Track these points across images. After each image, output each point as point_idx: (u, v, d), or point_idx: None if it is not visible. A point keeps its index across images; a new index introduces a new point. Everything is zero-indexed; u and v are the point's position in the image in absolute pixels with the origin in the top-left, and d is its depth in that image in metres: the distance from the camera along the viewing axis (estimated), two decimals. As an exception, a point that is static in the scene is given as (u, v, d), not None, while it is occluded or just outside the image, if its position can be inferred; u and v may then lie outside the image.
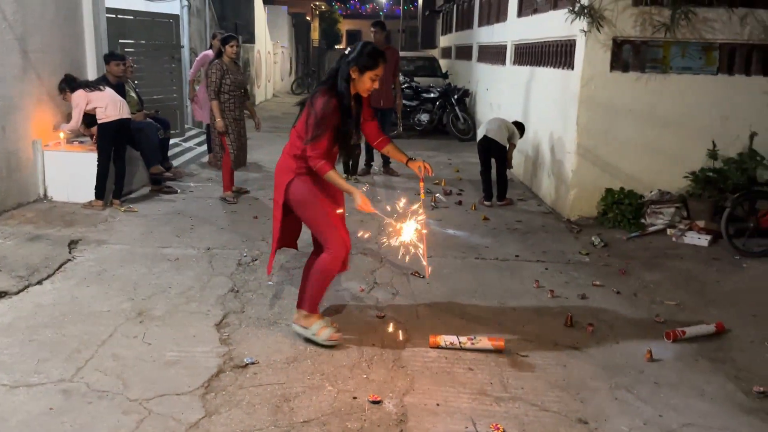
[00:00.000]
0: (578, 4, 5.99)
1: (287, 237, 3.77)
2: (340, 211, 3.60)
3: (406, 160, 3.62)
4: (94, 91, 6.06)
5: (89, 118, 6.24)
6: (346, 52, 3.41)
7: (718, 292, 4.71)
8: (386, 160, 8.57)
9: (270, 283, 4.52)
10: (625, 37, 6.09)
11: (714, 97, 6.20)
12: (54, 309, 3.90)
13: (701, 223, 5.86)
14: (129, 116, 6.25)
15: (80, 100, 6.04)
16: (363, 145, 8.50)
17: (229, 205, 6.62)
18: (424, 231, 3.63)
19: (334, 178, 3.39)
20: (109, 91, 6.15)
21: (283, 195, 3.50)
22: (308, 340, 3.59)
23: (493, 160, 6.94)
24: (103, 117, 6.03)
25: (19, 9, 5.86)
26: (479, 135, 7.00)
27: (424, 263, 3.69)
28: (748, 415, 3.09)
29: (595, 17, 5.93)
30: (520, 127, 7.10)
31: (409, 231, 3.58)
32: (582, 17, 5.96)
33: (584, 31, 6.04)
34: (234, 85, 6.51)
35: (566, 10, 6.18)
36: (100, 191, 6.16)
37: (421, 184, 3.69)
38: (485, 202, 6.98)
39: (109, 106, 6.04)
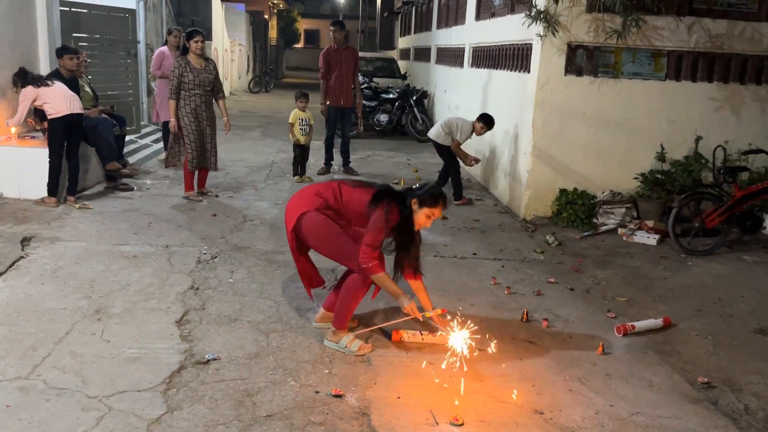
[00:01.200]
0: (535, 9, 6.15)
1: (311, 273, 3.80)
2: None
3: (431, 307, 3.70)
4: (42, 87, 5.90)
5: (42, 113, 6.09)
6: (415, 186, 3.58)
7: (665, 288, 4.92)
8: (346, 160, 8.61)
9: (230, 280, 4.51)
10: (579, 42, 6.29)
11: (662, 101, 6.45)
12: (8, 306, 3.82)
13: (650, 223, 6.10)
14: (80, 111, 6.10)
15: (27, 95, 5.89)
16: (324, 144, 8.53)
17: (193, 203, 6.55)
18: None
19: (384, 280, 3.46)
20: (59, 86, 6.00)
21: (293, 224, 3.54)
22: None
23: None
24: (52, 113, 5.90)
25: (-32, -1, 5.69)
26: None
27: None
28: (694, 404, 3.25)
29: (550, 22, 6.10)
30: (483, 118, 7.03)
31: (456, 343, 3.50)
32: (538, 22, 6.13)
33: (540, 36, 6.21)
34: (194, 83, 6.37)
35: (523, 15, 6.34)
36: (53, 188, 6.02)
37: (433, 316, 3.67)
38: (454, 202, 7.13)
39: (59, 101, 5.90)
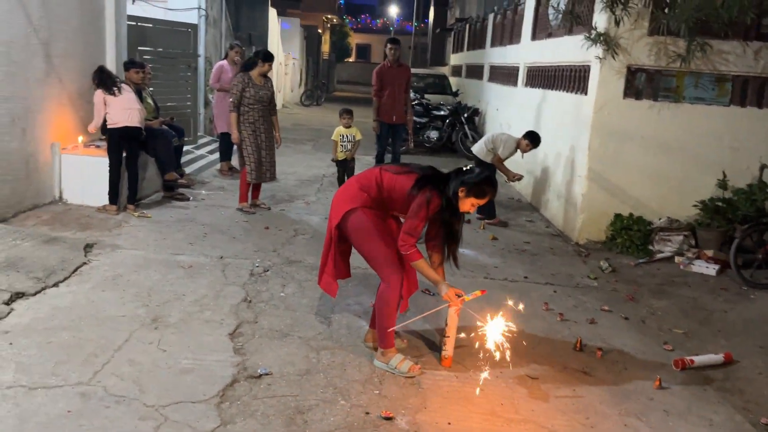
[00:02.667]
0: (595, 32, 6.07)
1: (339, 265, 3.79)
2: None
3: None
4: (109, 95, 6.12)
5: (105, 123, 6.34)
6: (464, 168, 3.50)
7: (725, 322, 4.75)
8: None
9: (282, 294, 4.56)
10: (640, 65, 6.18)
11: (725, 127, 6.27)
12: (71, 312, 3.95)
13: (709, 253, 5.91)
14: (138, 125, 6.27)
15: (98, 99, 6.14)
16: (374, 160, 8.58)
17: (245, 214, 6.68)
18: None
19: (423, 267, 3.46)
20: (124, 97, 6.18)
21: (339, 219, 3.55)
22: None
23: None
24: (110, 123, 6.12)
25: (44, 14, 5.96)
26: None
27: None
28: (756, 446, 3.12)
29: (610, 45, 6.02)
30: (530, 135, 6.95)
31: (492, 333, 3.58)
32: (598, 44, 6.05)
33: (599, 58, 6.13)
34: (255, 98, 6.56)
35: (582, 36, 6.27)
36: (113, 196, 6.22)
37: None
38: (478, 218, 7.05)
39: (118, 112, 6.11)
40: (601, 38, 6.00)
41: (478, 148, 7.13)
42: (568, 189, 6.91)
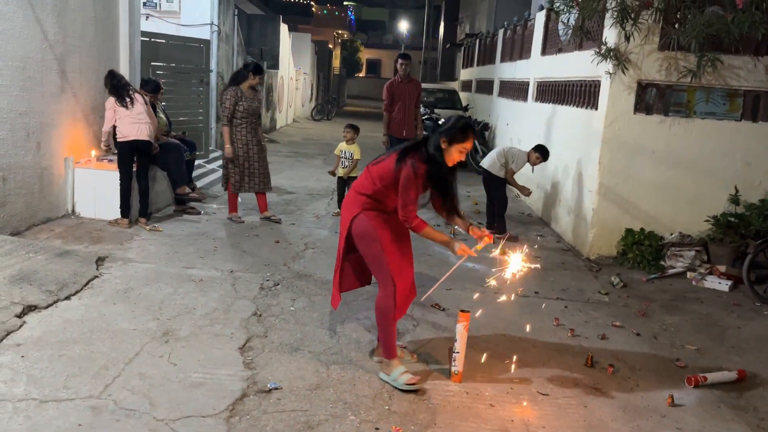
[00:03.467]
0: (605, 47, 6.08)
1: (350, 276, 3.81)
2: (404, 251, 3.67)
3: (467, 227, 3.65)
4: (121, 106, 6.17)
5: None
6: (441, 122, 3.53)
7: (738, 338, 4.70)
8: None
9: (292, 308, 4.57)
10: (650, 80, 6.17)
11: (737, 142, 6.25)
12: (82, 325, 3.97)
13: (722, 268, 5.86)
14: (148, 138, 6.31)
15: (109, 106, 6.18)
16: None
17: (237, 224, 6.78)
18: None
19: (430, 233, 3.48)
20: (134, 110, 6.20)
21: (347, 228, 3.59)
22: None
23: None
24: (120, 136, 6.17)
25: (60, 30, 6.05)
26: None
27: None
28: (771, 465, 3.08)
29: (621, 60, 6.02)
30: (539, 149, 7.04)
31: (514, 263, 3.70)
32: (608, 59, 6.06)
33: (609, 73, 6.13)
34: (247, 111, 6.67)
35: (592, 52, 6.28)
36: (124, 209, 6.27)
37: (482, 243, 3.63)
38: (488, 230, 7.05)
39: (127, 125, 6.15)
40: (612, 53, 6.00)
41: (489, 162, 7.14)
42: (578, 204, 6.89)
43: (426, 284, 5.19)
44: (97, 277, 4.83)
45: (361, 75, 48.24)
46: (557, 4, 6.30)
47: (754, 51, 6.05)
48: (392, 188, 3.50)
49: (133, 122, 6.19)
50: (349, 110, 31.52)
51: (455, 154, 3.48)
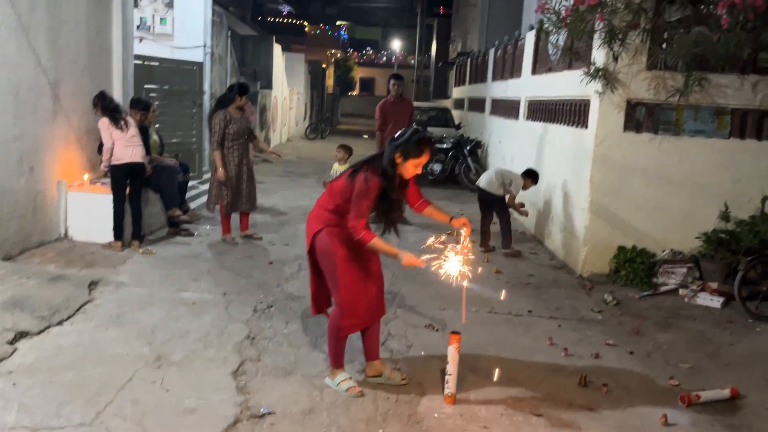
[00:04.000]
0: (593, 67, 6.16)
1: (323, 295, 3.86)
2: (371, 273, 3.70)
3: (449, 218, 3.75)
4: (116, 129, 6.18)
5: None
6: (396, 135, 3.53)
7: (732, 355, 4.71)
8: None
9: (285, 331, 4.57)
10: (639, 99, 6.24)
11: (726, 160, 6.30)
12: (75, 351, 3.96)
13: (714, 285, 5.89)
14: (141, 161, 6.35)
15: (104, 126, 6.18)
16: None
17: (230, 245, 6.80)
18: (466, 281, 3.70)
19: (378, 244, 3.48)
20: (127, 133, 6.22)
21: (309, 244, 3.66)
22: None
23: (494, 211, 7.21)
24: (114, 159, 6.19)
25: (53, 55, 6.10)
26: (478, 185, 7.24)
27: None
28: (765, 485, 3.08)
29: (609, 79, 6.09)
30: (531, 174, 7.22)
31: (454, 265, 3.65)
32: (597, 79, 6.13)
33: (599, 93, 6.20)
34: (238, 133, 6.74)
35: (581, 71, 6.35)
36: (117, 232, 6.27)
37: (465, 232, 3.70)
38: (480, 248, 7.09)
39: (121, 148, 6.17)
40: (600, 73, 6.07)
41: (486, 182, 7.16)
42: (570, 221, 6.93)
43: (419, 303, 5.21)
44: (89, 301, 4.82)
45: (354, 93, 48.54)
46: (546, 25, 6.37)
47: (740, 70, 6.13)
48: (351, 202, 3.50)
49: (128, 145, 6.22)
50: (342, 128, 31.65)
51: (410, 169, 3.48)
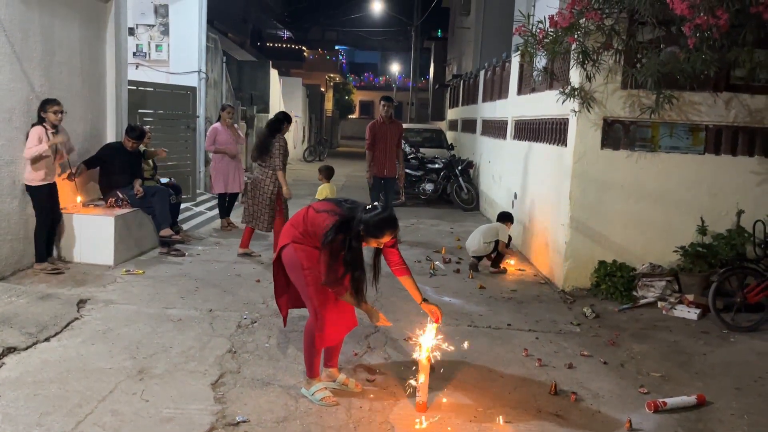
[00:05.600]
0: (569, 86, 6.35)
1: (296, 297, 4.05)
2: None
3: (420, 300, 3.81)
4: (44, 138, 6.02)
5: (89, 164, 6.93)
6: (371, 206, 3.54)
7: (704, 364, 4.81)
8: None
9: (267, 345, 4.69)
10: (615, 117, 6.42)
11: (702, 175, 6.46)
12: (60, 365, 4.09)
13: (691, 297, 6.00)
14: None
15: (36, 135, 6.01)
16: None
17: (219, 264, 6.99)
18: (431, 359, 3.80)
19: (351, 298, 3.71)
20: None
21: (275, 255, 3.90)
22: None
23: None
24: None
25: (46, 82, 6.31)
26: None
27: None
28: (721, 485, 3.17)
29: (585, 99, 6.28)
30: (507, 217, 7.67)
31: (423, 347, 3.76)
32: (573, 98, 6.31)
33: (575, 111, 6.38)
34: (287, 157, 7.33)
35: (559, 91, 6.54)
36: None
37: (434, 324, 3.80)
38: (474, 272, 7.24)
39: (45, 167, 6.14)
40: (576, 92, 6.26)
41: (477, 249, 7.32)
42: (553, 237, 7.07)
43: (401, 318, 5.33)
44: (77, 318, 4.96)
45: (354, 116, 48.94)
46: (523, 47, 6.57)
47: (713, 87, 6.32)
48: (318, 239, 3.60)
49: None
50: (342, 151, 31.96)
51: (373, 243, 3.61)
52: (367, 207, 3.54)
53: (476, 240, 7.38)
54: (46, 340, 4.49)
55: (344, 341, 4.77)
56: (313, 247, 3.68)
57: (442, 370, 4.26)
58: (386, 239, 3.56)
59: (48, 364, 4.10)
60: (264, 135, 7.30)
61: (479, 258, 7.37)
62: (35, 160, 5.96)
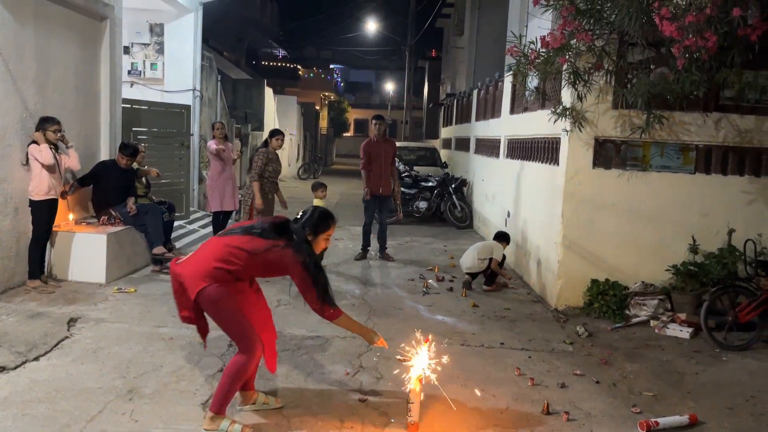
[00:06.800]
0: (561, 106, 6.41)
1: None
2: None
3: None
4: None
5: (83, 181, 6.96)
6: (299, 215, 3.71)
7: (696, 384, 4.81)
8: (382, 246, 8.83)
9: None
10: (607, 136, 6.47)
11: (692, 194, 6.50)
12: (48, 385, 4.05)
13: (683, 316, 6.01)
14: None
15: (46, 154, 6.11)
16: (362, 230, 8.81)
17: None
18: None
19: (347, 322, 3.67)
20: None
21: (193, 297, 3.52)
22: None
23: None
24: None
25: (40, 100, 6.33)
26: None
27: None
28: (713, 506, 3.16)
29: (577, 118, 6.33)
30: (504, 237, 7.70)
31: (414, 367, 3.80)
32: (564, 118, 6.37)
33: (566, 131, 6.43)
34: (274, 172, 7.63)
35: (551, 110, 6.60)
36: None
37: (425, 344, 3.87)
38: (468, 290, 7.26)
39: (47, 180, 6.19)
40: (567, 112, 6.32)
41: (470, 265, 7.35)
42: (546, 256, 7.08)
43: (394, 337, 5.31)
44: (67, 337, 4.93)
45: (349, 134, 49.16)
46: (515, 67, 6.64)
47: (702, 107, 6.39)
48: (259, 269, 3.59)
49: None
50: (336, 168, 32.04)
51: (322, 243, 3.69)
52: (296, 218, 3.69)
53: (471, 257, 7.39)
54: (36, 359, 4.46)
55: (336, 361, 4.78)
56: (237, 284, 3.59)
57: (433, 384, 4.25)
58: (332, 230, 3.72)
59: (37, 384, 4.06)
60: (254, 150, 7.69)
61: (473, 276, 7.37)
62: (50, 170, 6.06)
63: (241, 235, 3.62)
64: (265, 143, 7.80)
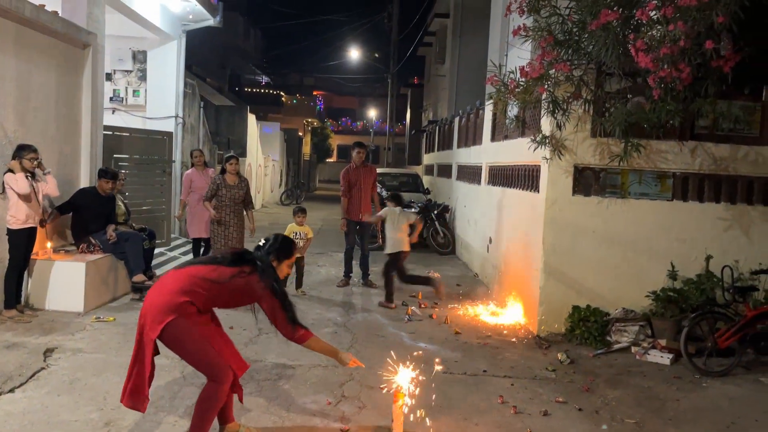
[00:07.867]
0: (540, 135, 6.50)
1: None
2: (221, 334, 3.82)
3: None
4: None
5: (62, 209, 6.89)
6: (261, 243, 3.77)
7: (677, 410, 4.83)
8: (365, 273, 8.81)
9: (239, 394, 4.60)
10: (586, 164, 6.57)
11: (671, 221, 6.60)
12: (23, 418, 3.96)
13: (663, 342, 6.06)
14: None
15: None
16: (344, 257, 8.80)
17: None
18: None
19: (318, 344, 3.71)
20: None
21: (158, 332, 3.46)
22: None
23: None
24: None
25: (20, 127, 6.29)
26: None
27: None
28: None
29: (556, 146, 6.43)
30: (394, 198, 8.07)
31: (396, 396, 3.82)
32: (544, 146, 6.46)
33: (546, 158, 6.52)
34: (227, 197, 7.61)
35: (530, 139, 6.69)
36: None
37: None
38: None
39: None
40: (547, 140, 6.41)
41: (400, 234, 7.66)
42: (527, 282, 7.12)
43: (376, 365, 5.28)
44: (43, 368, 4.83)
45: (332, 160, 49.27)
46: (496, 96, 6.74)
47: (678, 136, 6.52)
48: (223, 297, 3.60)
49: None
50: (319, 194, 32.02)
51: (285, 269, 3.76)
52: (258, 245, 3.75)
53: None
54: (11, 391, 4.36)
55: (318, 390, 4.74)
56: (201, 315, 3.58)
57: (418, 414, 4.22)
58: (294, 257, 3.83)
59: (11, 416, 3.97)
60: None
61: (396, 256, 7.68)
62: (26, 198, 5.98)
63: (205, 264, 3.65)
64: (222, 170, 7.77)
